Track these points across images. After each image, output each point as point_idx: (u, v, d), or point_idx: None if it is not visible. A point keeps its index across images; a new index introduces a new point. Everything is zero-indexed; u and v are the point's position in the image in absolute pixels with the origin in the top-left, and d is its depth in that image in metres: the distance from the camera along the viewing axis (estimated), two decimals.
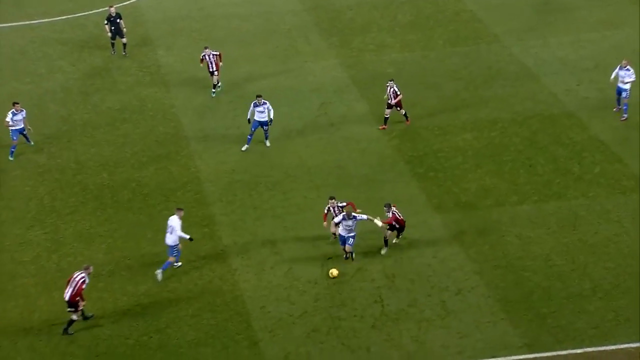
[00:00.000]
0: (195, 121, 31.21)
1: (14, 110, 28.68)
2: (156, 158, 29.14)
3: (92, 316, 22.66)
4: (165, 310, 22.93)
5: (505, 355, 21.52)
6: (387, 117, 30.14)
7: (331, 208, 24.78)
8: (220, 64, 32.12)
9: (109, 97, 32.36)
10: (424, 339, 21.91)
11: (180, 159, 29.12)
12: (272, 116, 28.97)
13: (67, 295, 21.92)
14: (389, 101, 29.92)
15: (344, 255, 24.41)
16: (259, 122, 29.02)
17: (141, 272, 24.07)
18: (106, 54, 35.12)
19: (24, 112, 28.85)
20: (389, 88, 29.86)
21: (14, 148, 28.98)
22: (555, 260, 24.41)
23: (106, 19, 34.09)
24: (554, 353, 21.53)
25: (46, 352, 21.65)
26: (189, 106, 32.15)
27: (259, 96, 28.99)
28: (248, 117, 29.17)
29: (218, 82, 32.40)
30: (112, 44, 34.37)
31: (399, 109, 30.13)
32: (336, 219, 24.38)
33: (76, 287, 21.88)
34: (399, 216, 24.60)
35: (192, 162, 28.93)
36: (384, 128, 30.13)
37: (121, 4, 38.66)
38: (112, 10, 33.99)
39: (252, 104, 28.98)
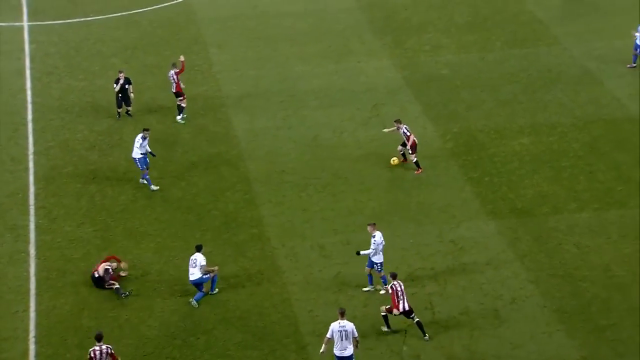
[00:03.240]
0: (246, 121, 31.04)
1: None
2: (206, 157, 29.03)
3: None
4: (212, 311, 22.82)
5: None
6: (403, 153, 27.79)
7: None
8: (182, 86, 29.95)
9: (160, 96, 32.36)
10: (475, 348, 21.48)
11: (230, 159, 28.98)
12: (133, 155, 26.77)
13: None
14: (405, 140, 27.34)
15: None
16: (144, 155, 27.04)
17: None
18: (159, 52, 35.17)
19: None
20: (398, 130, 27.28)
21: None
22: (615, 270, 23.75)
23: (115, 83, 30.28)
24: None
25: None
26: (239, 106, 31.99)
27: (146, 130, 27.19)
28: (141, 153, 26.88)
29: (182, 110, 30.04)
30: (118, 113, 30.54)
31: (411, 152, 27.25)
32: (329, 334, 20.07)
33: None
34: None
35: (241, 162, 28.77)
36: (404, 161, 27.79)
37: (174, 2, 38.76)
38: (122, 75, 30.10)
39: (140, 137, 26.93)
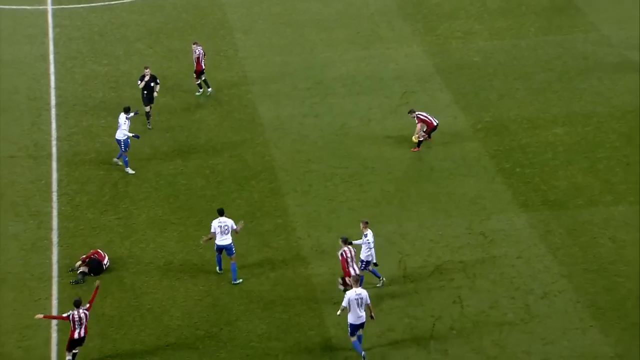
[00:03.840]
0: (272, 108, 30.62)
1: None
2: (231, 145, 28.68)
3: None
4: (236, 302, 22.54)
5: None
6: (422, 140, 27.61)
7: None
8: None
9: (185, 81, 32.04)
10: (505, 344, 21.06)
11: (255, 147, 28.59)
12: (117, 136, 26.57)
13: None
14: (425, 130, 27.38)
15: None
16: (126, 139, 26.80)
17: (213, 262, 23.65)
18: (184, 37, 34.80)
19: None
20: (414, 119, 27.30)
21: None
22: None
23: (140, 79, 29.07)
24: None
25: (117, 338, 21.52)
26: (265, 92, 31.58)
27: (128, 108, 26.84)
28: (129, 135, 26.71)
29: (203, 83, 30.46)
30: (146, 113, 29.02)
31: (424, 132, 27.44)
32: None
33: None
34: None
35: (267, 151, 28.35)
36: (416, 150, 27.69)
37: None
38: (147, 72, 28.85)
39: (125, 118, 26.51)
